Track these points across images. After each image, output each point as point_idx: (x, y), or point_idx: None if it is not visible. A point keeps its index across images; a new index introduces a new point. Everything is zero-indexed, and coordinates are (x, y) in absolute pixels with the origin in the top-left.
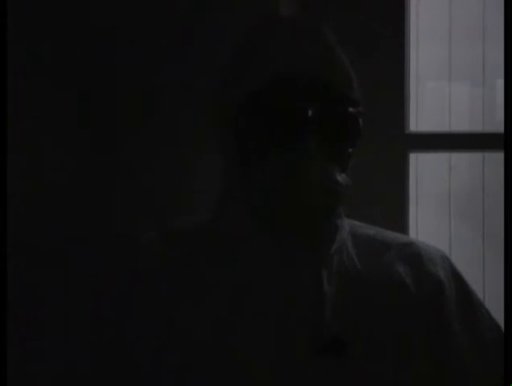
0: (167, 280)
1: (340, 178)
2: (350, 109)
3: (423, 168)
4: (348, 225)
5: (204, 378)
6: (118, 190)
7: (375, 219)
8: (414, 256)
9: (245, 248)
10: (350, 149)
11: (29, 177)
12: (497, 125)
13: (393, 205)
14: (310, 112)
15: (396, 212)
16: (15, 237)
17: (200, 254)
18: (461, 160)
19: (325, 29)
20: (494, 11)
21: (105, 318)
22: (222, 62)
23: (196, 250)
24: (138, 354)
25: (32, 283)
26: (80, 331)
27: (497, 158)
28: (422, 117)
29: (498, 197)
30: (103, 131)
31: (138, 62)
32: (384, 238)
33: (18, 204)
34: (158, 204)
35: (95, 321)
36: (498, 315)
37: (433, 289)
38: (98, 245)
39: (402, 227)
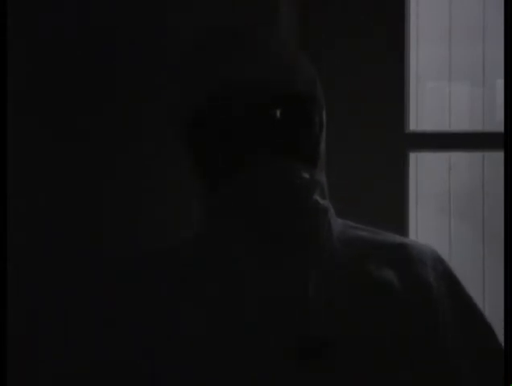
0: (164, 286)
1: (307, 174)
2: (304, 106)
3: (423, 168)
4: (339, 225)
5: (195, 380)
6: (118, 192)
7: (375, 219)
8: (404, 257)
9: (229, 255)
10: (317, 144)
11: (29, 177)
12: (497, 125)
13: (393, 205)
14: (259, 117)
15: (396, 212)
16: (15, 237)
17: (191, 260)
18: (461, 160)
19: (271, 33)
20: (494, 11)
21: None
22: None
23: (188, 256)
24: (138, 357)
25: (32, 283)
26: (76, 333)
27: (497, 158)
28: (422, 117)
29: (498, 197)
30: (101, 132)
31: (138, 62)
32: (376, 239)
33: (18, 204)
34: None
35: (91, 323)
36: (498, 315)
37: (421, 291)
38: (97, 246)
39: (402, 227)
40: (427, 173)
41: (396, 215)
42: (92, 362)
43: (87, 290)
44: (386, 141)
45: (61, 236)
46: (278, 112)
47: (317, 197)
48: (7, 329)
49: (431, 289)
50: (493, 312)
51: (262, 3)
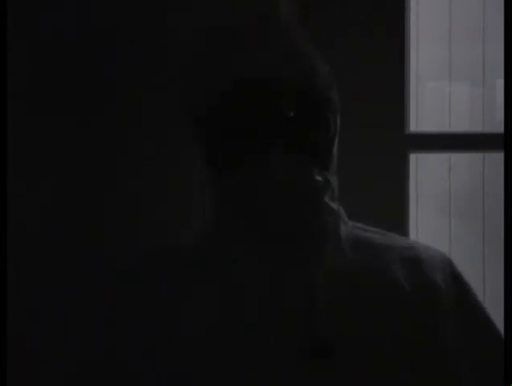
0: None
1: (319, 175)
2: (319, 107)
3: (423, 168)
4: (347, 227)
5: (195, 380)
6: (118, 192)
7: (375, 220)
8: (412, 259)
9: (232, 255)
10: (330, 146)
11: (29, 177)
12: (497, 125)
13: (393, 205)
14: (274, 116)
15: (396, 212)
16: (15, 237)
17: (191, 260)
18: (461, 160)
19: (287, 28)
20: (494, 11)
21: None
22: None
23: (191, 257)
24: (138, 357)
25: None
26: (76, 333)
27: (497, 158)
28: (422, 117)
29: (498, 197)
30: (101, 132)
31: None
32: (384, 241)
33: (18, 204)
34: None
35: (91, 323)
36: (498, 315)
37: (428, 294)
38: (97, 247)
39: (402, 227)
40: (427, 173)
41: (396, 215)
42: (92, 362)
43: (87, 290)
44: (386, 142)
45: (61, 236)
46: (292, 112)
47: (327, 199)
48: (7, 329)
49: (438, 290)
50: (493, 312)
51: (262, 3)
